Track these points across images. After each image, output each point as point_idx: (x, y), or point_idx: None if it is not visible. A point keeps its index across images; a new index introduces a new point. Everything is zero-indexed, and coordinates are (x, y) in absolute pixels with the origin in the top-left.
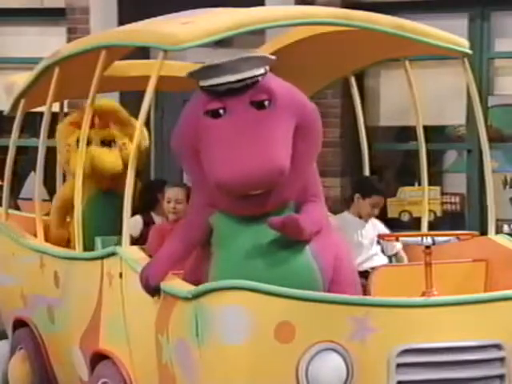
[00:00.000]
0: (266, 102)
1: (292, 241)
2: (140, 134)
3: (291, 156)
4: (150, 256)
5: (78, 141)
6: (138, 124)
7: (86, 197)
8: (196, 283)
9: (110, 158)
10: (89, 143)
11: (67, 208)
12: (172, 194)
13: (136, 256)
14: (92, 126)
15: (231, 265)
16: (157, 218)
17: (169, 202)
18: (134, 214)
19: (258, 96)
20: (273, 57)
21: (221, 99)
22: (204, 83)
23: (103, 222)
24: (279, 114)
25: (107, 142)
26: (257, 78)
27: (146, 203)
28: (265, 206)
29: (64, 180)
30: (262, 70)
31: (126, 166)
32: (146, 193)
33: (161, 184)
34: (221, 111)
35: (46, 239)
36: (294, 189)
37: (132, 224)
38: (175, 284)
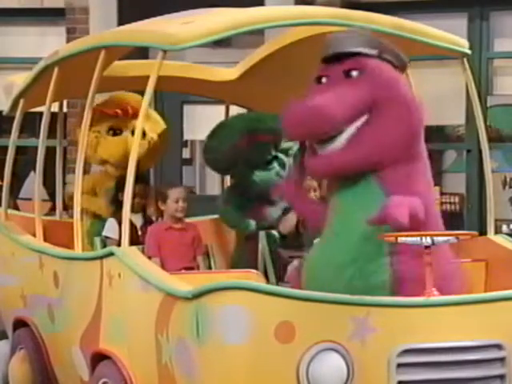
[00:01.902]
0: (354, 73)
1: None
2: (151, 129)
3: (368, 127)
4: (149, 257)
5: (110, 129)
6: (138, 124)
7: (106, 188)
8: None
9: (141, 147)
10: (119, 132)
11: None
12: (179, 193)
13: (134, 256)
14: (124, 115)
15: (315, 250)
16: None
17: (177, 201)
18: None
19: (350, 66)
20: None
21: (325, 69)
22: (322, 56)
23: None
24: (359, 84)
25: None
26: (358, 53)
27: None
28: (329, 166)
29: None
30: (365, 50)
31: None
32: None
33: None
34: (323, 79)
35: (46, 239)
36: (366, 157)
37: (109, 227)
38: (175, 284)
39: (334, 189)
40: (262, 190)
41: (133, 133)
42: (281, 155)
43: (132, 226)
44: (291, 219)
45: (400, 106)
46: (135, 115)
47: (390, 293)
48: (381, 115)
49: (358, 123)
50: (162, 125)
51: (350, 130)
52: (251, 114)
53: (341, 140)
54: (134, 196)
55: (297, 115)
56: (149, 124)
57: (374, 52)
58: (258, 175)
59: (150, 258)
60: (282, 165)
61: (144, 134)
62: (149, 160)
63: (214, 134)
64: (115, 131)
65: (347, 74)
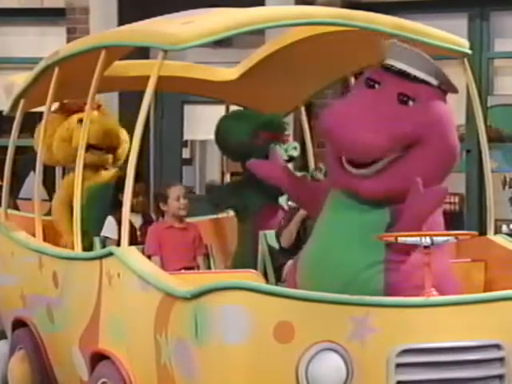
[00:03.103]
0: (410, 102)
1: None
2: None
3: (404, 159)
4: (149, 256)
5: (79, 121)
6: (138, 124)
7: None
8: None
9: (112, 120)
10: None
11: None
12: (179, 191)
13: (134, 256)
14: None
15: (311, 247)
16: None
17: (178, 199)
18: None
19: (407, 90)
20: (450, 84)
21: (381, 75)
22: (383, 58)
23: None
24: (411, 117)
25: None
26: (417, 78)
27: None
28: (368, 190)
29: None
30: (430, 78)
31: None
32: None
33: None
34: (376, 85)
35: (45, 239)
36: (396, 191)
37: (107, 226)
38: (174, 284)
39: (337, 192)
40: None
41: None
42: (294, 153)
43: (131, 226)
44: (291, 231)
45: (442, 145)
46: (99, 108)
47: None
48: (421, 150)
49: (397, 153)
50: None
51: (388, 159)
52: (269, 116)
53: (376, 168)
54: (136, 195)
55: (347, 134)
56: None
57: (435, 82)
58: None
59: (149, 257)
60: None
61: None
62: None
63: (233, 120)
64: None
65: (402, 99)
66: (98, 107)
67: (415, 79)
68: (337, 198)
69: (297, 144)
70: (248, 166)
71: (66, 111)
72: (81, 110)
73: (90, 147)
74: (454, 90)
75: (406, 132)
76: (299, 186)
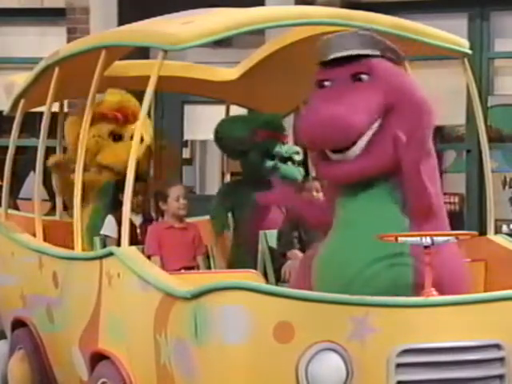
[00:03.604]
0: (364, 76)
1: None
2: (138, 133)
3: (381, 132)
4: (149, 256)
5: (111, 134)
6: (138, 124)
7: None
8: None
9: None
10: (119, 138)
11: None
12: (179, 191)
13: (134, 256)
14: (125, 121)
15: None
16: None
17: (178, 199)
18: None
19: (358, 69)
20: (391, 46)
21: (327, 72)
22: (320, 59)
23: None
24: (371, 88)
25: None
26: (361, 55)
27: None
28: (345, 174)
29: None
30: (368, 51)
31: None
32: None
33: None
34: (326, 83)
35: (46, 239)
36: (381, 163)
37: (107, 225)
38: (174, 284)
39: (346, 190)
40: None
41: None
42: (296, 157)
43: (131, 225)
44: (293, 266)
45: (412, 107)
46: (135, 120)
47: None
48: (394, 118)
49: (373, 129)
50: (149, 125)
51: (366, 136)
52: (268, 115)
53: (358, 147)
54: (136, 194)
55: (316, 125)
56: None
57: (377, 52)
58: (282, 167)
59: (149, 257)
60: (298, 164)
61: (141, 139)
62: (144, 162)
63: (232, 120)
64: (115, 136)
65: (355, 77)
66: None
67: (357, 58)
68: (342, 197)
69: (299, 149)
70: (258, 201)
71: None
72: (115, 118)
73: (103, 167)
74: (399, 56)
75: (378, 101)
76: (310, 208)
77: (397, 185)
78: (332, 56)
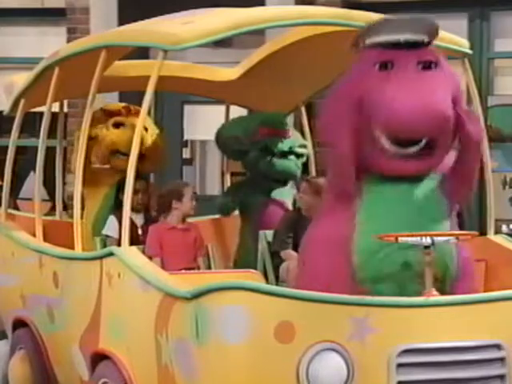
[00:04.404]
0: (433, 65)
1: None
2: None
3: None
4: (150, 257)
5: (114, 124)
6: (138, 124)
7: (104, 193)
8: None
9: (147, 136)
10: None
11: None
12: (192, 191)
13: (134, 256)
14: (127, 113)
15: (377, 232)
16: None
17: (192, 199)
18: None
19: (427, 57)
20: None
21: (389, 54)
22: (374, 39)
23: None
24: (443, 78)
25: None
26: (427, 42)
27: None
28: (420, 166)
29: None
30: (431, 38)
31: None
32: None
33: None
34: (389, 65)
35: (46, 239)
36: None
37: (109, 225)
38: (174, 284)
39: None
40: (279, 177)
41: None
42: (299, 149)
43: (133, 225)
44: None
45: (464, 103)
46: (137, 114)
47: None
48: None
49: None
50: (155, 130)
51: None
52: (268, 113)
53: (423, 142)
54: (137, 192)
55: (422, 112)
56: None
57: (434, 41)
58: (278, 162)
59: (150, 257)
60: (300, 157)
61: (146, 129)
62: (150, 163)
63: (232, 122)
64: (118, 125)
65: (424, 64)
66: (136, 113)
67: (422, 45)
68: (375, 187)
69: (305, 142)
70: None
71: (107, 115)
72: (118, 113)
73: (117, 152)
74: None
75: (455, 94)
76: None
77: (442, 179)
78: (402, 38)
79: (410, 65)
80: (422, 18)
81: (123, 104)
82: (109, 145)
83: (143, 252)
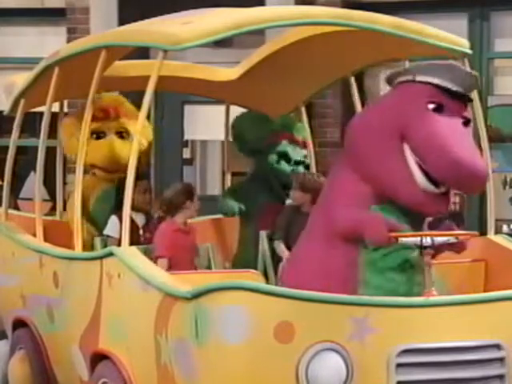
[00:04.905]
0: (469, 124)
1: None
2: (140, 132)
3: None
4: (156, 258)
5: (93, 133)
6: (138, 124)
7: (97, 192)
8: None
9: (126, 149)
10: (103, 135)
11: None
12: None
13: (134, 256)
14: (106, 118)
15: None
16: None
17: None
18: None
19: (469, 114)
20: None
21: (442, 97)
22: (428, 79)
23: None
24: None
25: (120, 134)
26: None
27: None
28: (443, 209)
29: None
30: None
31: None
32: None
33: None
34: (441, 108)
35: (46, 239)
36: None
37: (110, 225)
38: (174, 284)
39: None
40: (290, 184)
41: (118, 134)
42: (307, 160)
43: (134, 225)
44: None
45: None
46: (117, 116)
47: None
48: None
49: None
50: (149, 128)
51: None
52: (290, 119)
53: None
54: (145, 192)
55: (481, 175)
56: (134, 122)
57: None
58: (291, 170)
59: (157, 258)
60: (307, 168)
61: (127, 134)
62: (144, 160)
63: (252, 118)
64: (98, 134)
65: (464, 121)
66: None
67: (465, 101)
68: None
69: (305, 152)
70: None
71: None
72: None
73: (94, 166)
74: None
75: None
76: None
77: None
78: (455, 88)
79: (459, 116)
80: (471, 73)
81: (107, 102)
82: (88, 159)
83: (144, 252)
